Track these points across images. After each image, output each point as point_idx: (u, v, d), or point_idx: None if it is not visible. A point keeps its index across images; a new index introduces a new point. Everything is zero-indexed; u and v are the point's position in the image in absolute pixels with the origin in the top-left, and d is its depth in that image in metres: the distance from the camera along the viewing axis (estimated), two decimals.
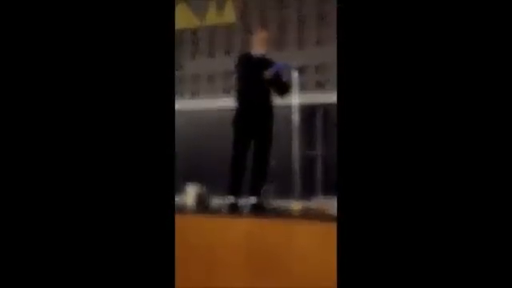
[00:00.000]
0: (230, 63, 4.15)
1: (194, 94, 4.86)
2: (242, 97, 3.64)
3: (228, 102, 3.89)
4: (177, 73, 4.14)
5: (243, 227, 3.01)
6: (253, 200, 3.55)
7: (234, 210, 3.49)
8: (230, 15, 4.83)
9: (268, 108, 3.64)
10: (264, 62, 3.61)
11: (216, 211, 3.57)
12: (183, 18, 4.86)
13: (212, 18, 4.90)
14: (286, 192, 3.60)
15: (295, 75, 3.62)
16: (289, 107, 3.69)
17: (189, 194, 3.71)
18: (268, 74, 3.50)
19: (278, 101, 3.70)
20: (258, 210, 3.48)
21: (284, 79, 3.66)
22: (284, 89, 3.66)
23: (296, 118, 3.64)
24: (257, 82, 3.57)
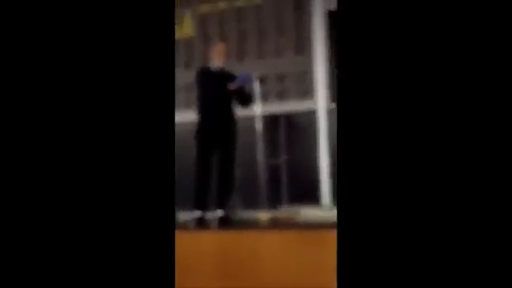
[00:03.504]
0: (189, 76, 4.13)
1: None
2: (203, 110, 3.62)
3: (189, 116, 3.86)
4: None
5: (211, 241, 2.98)
6: (220, 213, 3.52)
7: (200, 224, 3.46)
8: (188, 29, 4.82)
9: (231, 120, 3.63)
10: (224, 75, 3.61)
11: (183, 226, 3.52)
12: None
13: None
14: (252, 203, 3.58)
15: (257, 85, 3.64)
16: (251, 118, 3.69)
17: None
18: (232, 85, 3.51)
19: (240, 112, 3.70)
20: (226, 223, 3.46)
21: (246, 90, 3.67)
22: (248, 99, 3.67)
23: (259, 128, 3.65)
24: (218, 95, 3.57)
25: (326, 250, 2.54)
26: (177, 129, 4.44)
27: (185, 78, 4.56)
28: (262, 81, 3.74)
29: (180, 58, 4.81)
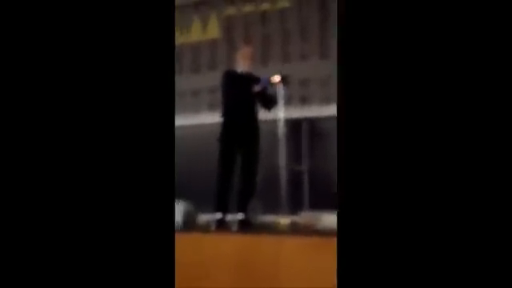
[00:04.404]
0: (214, 78, 4.15)
1: (180, 110, 4.85)
2: (228, 112, 3.64)
3: (213, 118, 3.88)
4: None
5: (231, 243, 2.99)
6: (240, 216, 3.53)
7: (221, 226, 3.47)
8: (213, 30, 4.85)
9: (254, 123, 3.64)
10: (249, 78, 3.63)
11: (204, 228, 3.54)
12: None
13: (196, 33, 4.91)
14: (273, 207, 3.58)
15: (281, 89, 3.64)
16: (274, 122, 3.69)
17: (176, 212, 3.69)
18: (256, 88, 3.53)
19: (263, 115, 3.70)
20: (246, 226, 3.46)
21: (269, 93, 3.68)
22: (271, 102, 3.69)
23: (281, 132, 3.65)
24: (243, 98, 3.58)
25: None
26: (200, 130, 4.48)
27: (209, 80, 4.59)
28: (286, 84, 3.73)
29: (204, 59, 4.84)
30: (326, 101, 4.26)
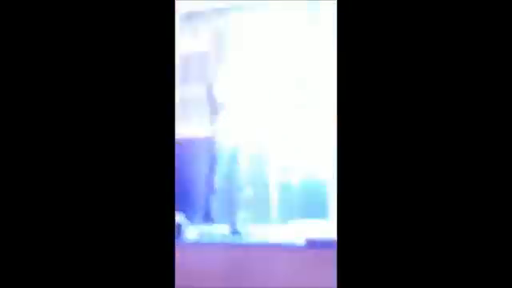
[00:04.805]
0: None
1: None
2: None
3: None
4: None
5: (220, 255, 2.98)
6: (229, 227, 3.52)
7: (210, 237, 3.46)
8: None
9: None
10: None
11: (192, 239, 3.52)
12: None
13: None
14: (262, 217, 3.58)
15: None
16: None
17: None
18: None
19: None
20: (235, 237, 3.46)
21: None
22: None
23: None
24: None
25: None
26: (191, 142, 4.45)
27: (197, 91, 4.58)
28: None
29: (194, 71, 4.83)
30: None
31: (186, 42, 4.89)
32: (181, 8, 4.52)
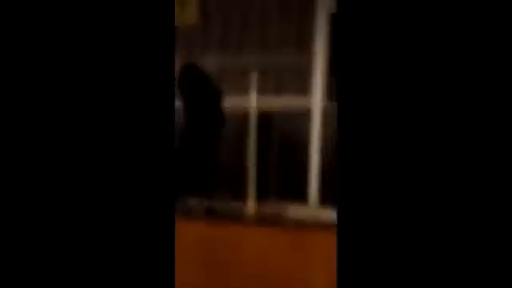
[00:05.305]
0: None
1: None
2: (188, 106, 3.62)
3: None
4: None
5: (195, 230, 2.98)
6: (206, 203, 3.52)
7: (186, 212, 3.46)
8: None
9: (218, 113, 3.63)
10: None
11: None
12: None
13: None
14: (239, 195, 3.59)
15: (254, 78, 3.63)
16: (246, 110, 3.69)
17: None
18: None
19: (234, 104, 3.69)
20: (211, 213, 3.46)
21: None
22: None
23: (253, 121, 3.64)
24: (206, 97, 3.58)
25: (311, 249, 2.55)
26: None
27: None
28: (261, 74, 3.72)
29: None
30: (298, 92, 4.26)
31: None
32: None
